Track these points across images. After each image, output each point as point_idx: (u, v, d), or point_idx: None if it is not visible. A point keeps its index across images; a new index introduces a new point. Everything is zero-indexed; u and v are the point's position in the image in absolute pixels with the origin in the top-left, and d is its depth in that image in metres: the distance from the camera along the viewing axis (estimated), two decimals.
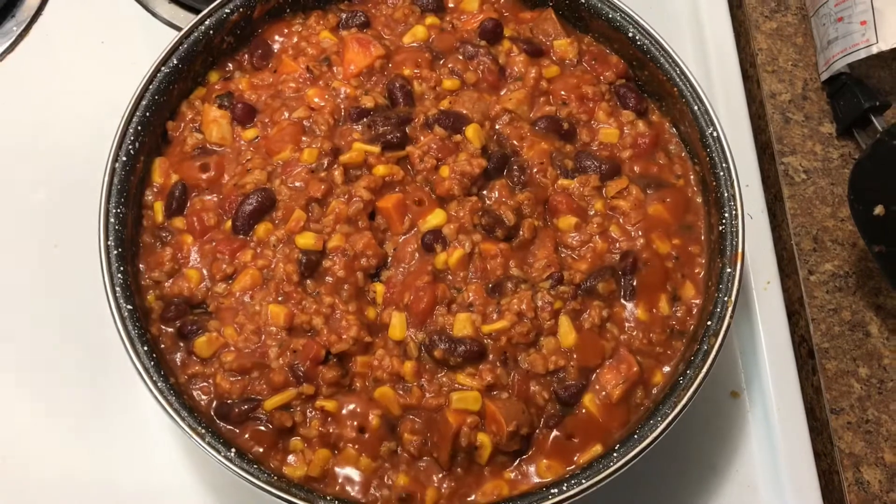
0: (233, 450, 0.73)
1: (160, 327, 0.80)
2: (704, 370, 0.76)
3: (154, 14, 1.11)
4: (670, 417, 0.74)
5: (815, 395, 0.96)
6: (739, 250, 0.79)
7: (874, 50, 0.98)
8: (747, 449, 0.94)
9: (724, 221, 0.81)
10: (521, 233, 0.83)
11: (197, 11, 1.09)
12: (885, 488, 0.89)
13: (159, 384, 0.74)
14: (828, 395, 0.94)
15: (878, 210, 0.87)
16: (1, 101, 1.05)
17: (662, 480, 0.91)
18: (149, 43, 1.10)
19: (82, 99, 1.05)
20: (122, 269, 0.78)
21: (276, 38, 0.92)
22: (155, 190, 0.85)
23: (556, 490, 0.72)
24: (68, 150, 1.02)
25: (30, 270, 0.98)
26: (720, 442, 0.94)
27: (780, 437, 0.92)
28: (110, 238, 0.78)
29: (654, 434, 0.74)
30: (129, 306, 0.77)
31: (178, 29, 1.10)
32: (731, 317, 0.77)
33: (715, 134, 0.84)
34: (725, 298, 0.78)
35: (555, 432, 0.78)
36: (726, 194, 0.82)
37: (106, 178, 0.80)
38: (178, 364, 0.79)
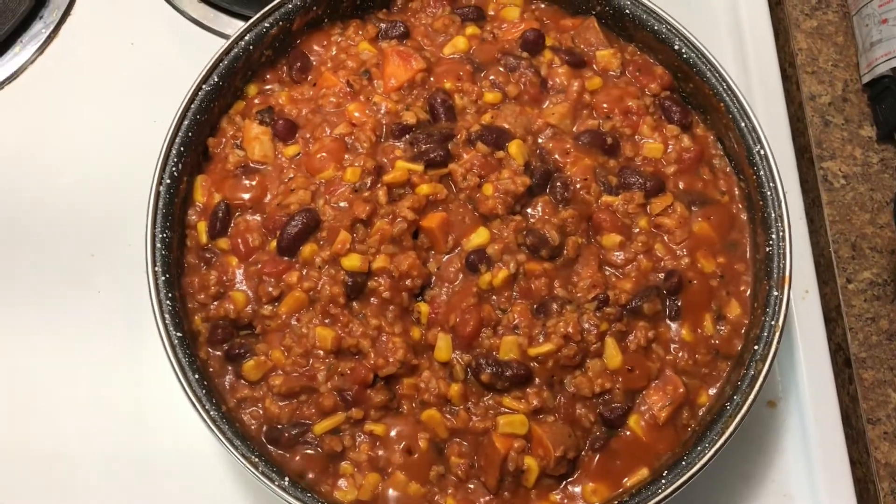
0: (286, 478, 0.73)
1: (208, 350, 0.80)
2: (752, 396, 0.76)
3: (183, 13, 1.10)
4: (718, 444, 0.75)
5: (851, 405, 0.96)
6: (787, 274, 0.79)
7: None
8: (783, 458, 0.95)
9: (770, 243, 0.81)
10: (565, 251, 0.83)
11: (227, 12, 1.08)
12: None
13: (212, 413, 0.74)
14: (864, 404, 0.95)
15: None
16: (33, 105, 1.04)
17: (698, 489, 0.92)
18: (179, 44, 1.09)
19: (115, 103, 1.04)
20: (170, 295, 0.78)
21: (315, 48, 0.91)
22: (198, 209, 0.85)
23: None
24: (103, 157, 1.02)
25: (65, 279, 0.98)
26: (756, 451, 0.95)
27: (817, 447, 0.93)
28: (157, 264, 0.78)
29: (703, 461, 0.75)
30: (178, 333, 0.77)
31: (207, 29, 1.09)
32: (778, 342, 0.77)
33: (762, 152, 0.83)
34: (773, 322, 0.78)
35: (600, 455, 0.79)
36: (773, 215, 0.81)
37: (151, 202, 0.79)
38: (227, 388, 0.79)
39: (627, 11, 0.89)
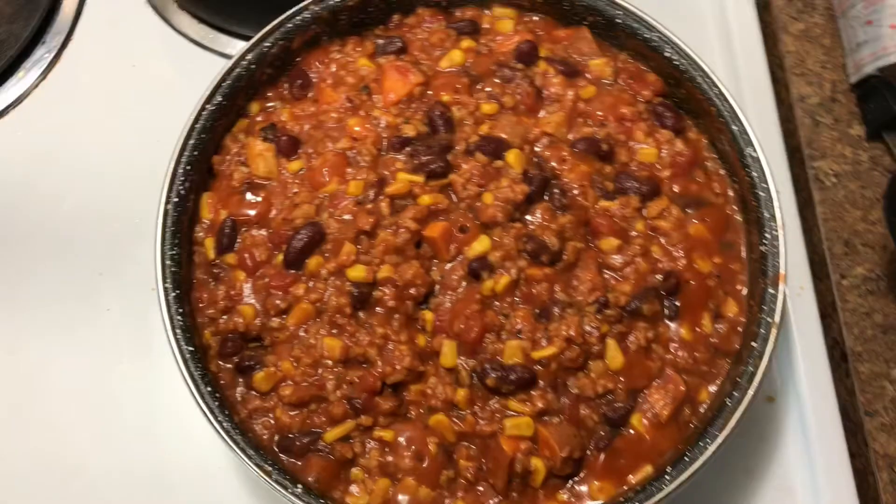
0: (299, 486, 0.75)
1: (218, 364, 0.82)
2: (751, 392, 0.78)
3: (182, 34, 1.12)
4: (720, 439, 0.77)
5: (848, 398, 0.98)
6: (781, 272, 0.81)
7: None
8: (783, 452, 0.97)
9: (765, 242, 0.83)
10: (564, 256, 0.85)
11: (226, 32, 1.11)
12: None
13: (224, 424, 0.76)
14: (862, 397, 0.97)
15: None
16: (39, 129, 1.06)
17: (701, 485, 0.93)
18: (180, 64, 1.11)
19: (119, 124, 1.06)
20: (180, 310, 0.80)
21: (315, 66, 0.93)
22: (205, 226, 0.87)
23: None
24: (108, 178, 1.04)
25: (75, 298, 1.00)
26: (756, 446, 0.97)
27: (816, 440, 0.95)
28: (167, 280, 0.80)
29: (705, 456, 0.77)
30: (189, 347, 0.79)
31: (207, 49, 1.11)
32: (775, 339, 0.79)
33: (754, 154, 0.85)
34: (769, 320, 0.80)
35: (605, 454, 0.80)
36: (766, 215, 0.83)
37: (160, 221, 0.81)
38: (239, 399, 0.81)
39: (619, 21, 0.92)
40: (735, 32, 1.12)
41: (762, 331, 0.80)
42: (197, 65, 1.10)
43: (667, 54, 0.90)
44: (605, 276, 0.85)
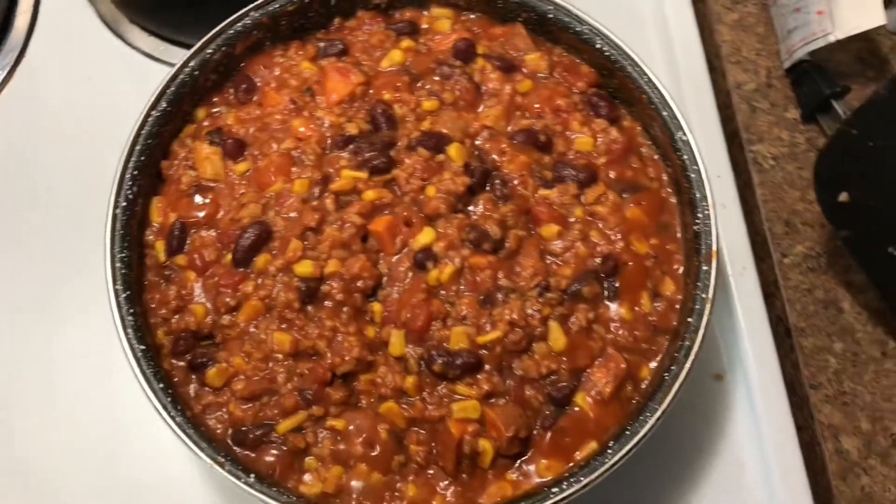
0: (252, 475, 0.77)
1: (171, 362, 0.84)
2: (688, 365, 0.81)
3: (135, 47, 1.14)
4: (659, 412, 0.79)
5: (794, 372, 1.01)
6: (714, 249, 0.84)
7: (831, 39, 1.02)
8: (733, 428, 0.99)
9: (697, 221, 0.86)
10: (507, 244, 0.87)
11: (176, 43, 1.13)
12: (864, 455, 0.95)
13: (177, 419, 0.78)
14: (806, 371, 0.99)
15: (843, 197, 0.92)
16: None
17: (654, 464, 0.96)
18: (132, 76, 1.13)
19: (75, 136, 1.09)
20: (131, 311, 0.82)
21: (259, 70, 0.95)
22: (155, 229, 0.89)
23: (556, 489, 0.77)
24: (65, 191, 1.06)
25: (31, 305, 1.02)
26: (707, 423, 1.00)
27: (763, 415, 0.98)
28: (118, 282, 0.82)
29: (646, 429, 0.79)
30: (141, 346, 0.81)
31: (159, 61, 1.14)
32: (710, 313, 0.82)
33: (685, 138, 0.88)
34: (703, 295, 0.83)
35: (551, 433, 0.83)
36: (698, 195, 0.86)
37: (108, 225, 0.84)
38: (192, 396, 0.83)
39: (551, 16, 0.95)
40: (672, 25, 1.15)
41: (697, 307, 0.83)
42: (150, 76, 1.12)
43: (598, 46, 0.93)
44: (547, 261, 0.88)
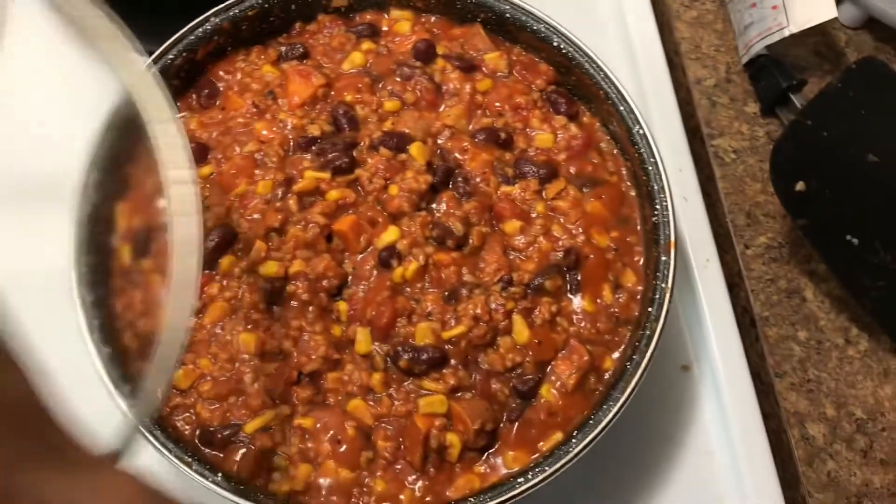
0: (219, 474, 0.78)
1: (139, 365, 0.84)
2: (649, 353, 0.82)
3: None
4: (621, 400, 0.80)
5: (759, 361, 1.03)
6: (672, 239, 0.86)
7: (786, 33, 1.04)
8: (701, 418, 1.01)
9: (655, 213, 0.88)
10: (470, 241, 0.88)
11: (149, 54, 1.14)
12: (829, 440, 0.97)
13: (144, 420, 0.79)
14: (771, 360, 1.01)
15: (800, 186, 0.93)
16: None
17: (624, 456, 0.97)
18: (100, 85, 1.13)
19: (41, 146, 1.09)
20: (97, 314, 0.82)
21: (221, 75, 0.96)
22: (120, 234, 0.89)
23: (522, 479, 0.78)
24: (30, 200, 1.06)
25: None
26: (675, 414, 1.01)
27: (730, 404, 0.99)
28: (83, 287, 0.83)
29: (608, 417, 0.80)
30: (107, 350, 0.81)
31: None
32: (669, 302, 0.83)
33: (641, 131, 0.90)
34: (663, 285, 0.84)
35: (518, 425, 0.84)
36: (656, 187, 0.88)
37: (74, 230, 0.84)
38: (159, 398, 0.83)
39: (508, 15, 0.96)
40: (631, 24, 1.17)
41: (657, 296, 0.84)
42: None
43: (555, 44, 0.94)
44: (510, 256, 0.89)
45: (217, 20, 0.94)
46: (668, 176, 0.88)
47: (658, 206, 0.87)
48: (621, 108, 0.91)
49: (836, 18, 1.09)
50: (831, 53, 1.15)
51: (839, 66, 1.13)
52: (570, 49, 0.94)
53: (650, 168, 0.88)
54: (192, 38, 0.93)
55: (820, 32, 1.15)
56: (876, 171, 0.89)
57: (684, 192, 1.07)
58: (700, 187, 1.09)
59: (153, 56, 0.91)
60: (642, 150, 0.89)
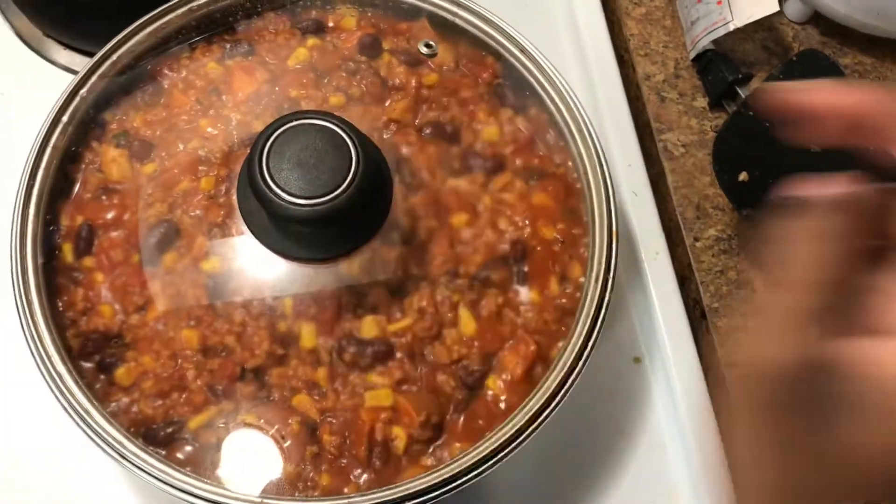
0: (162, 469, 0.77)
1: (81, 363, 0.84)
2: (592, 341, 0.82)
3: (52, 62, 1.14)
4: (564, 389, 0.81)
5: (710, 353, 1.03)
6: (615, 229, 0.86)
7: (731, 27, 1.05)
8: (653, 410, 1.01)
9: (600, 204, 0.88)
10: (417, 234, 0.88)
11: (93, 55, 1.13)
12: None
13: (86, 418, 0.78)
14: (721, 350, 1.01)
15: (742, 176, 0.94)
16: None
17: (576, 449, 0.98)
18: (50, 90, 1.12)
19: None
20: (40, 312, 0.82)
21: (165, 72, 0.96)
22: (62, 233, 0.88)
23: (464, 469, 0.78)
24: None
25: None
26: (627, 407, 1.01)
27: (681, 396, 0.99)
28: (25, 287, 0.82)
29: (553, 404, 0.80)
30: (49, 347, 0.80)
31: (77, 74, 1.14)
32: (611, 290, 0.84)
33: (584, 123, 0.90)
34: (608, 275, 0.85)
35: (464, 416, 0.84)
36: (599, 178, 0.88)
37: (17, 230, 0.83)
38: (102, 395, 0.83)
39: (452, 15, 0.97)
40: (581, 21, 1.18)
41: (600, 285, 0.85)
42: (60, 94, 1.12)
43: (499, 39, 0.95)
44: (458, 249, 0.89)
45: (163, 20, 0.93)
46: (609, 166, 0.88)
47: (601, 197, 0.88)
48: (566, 100, 0.92)
49: (782, 14, 1.11)
50: (779, 48, 1.16)
51: (786, 59, 1.14)
52: (511, 44, 0.94)
53: (593, 158, 0.89)
54: (135, 38, 0.92)
55: (767, 28, 1.17)
56: (818, 160, 0.90)
57: (634, 186, 1.08)
58: (650, 182, 1.09)
59: (96, 57, 0.90)
60: (587, 141, 0.90)
